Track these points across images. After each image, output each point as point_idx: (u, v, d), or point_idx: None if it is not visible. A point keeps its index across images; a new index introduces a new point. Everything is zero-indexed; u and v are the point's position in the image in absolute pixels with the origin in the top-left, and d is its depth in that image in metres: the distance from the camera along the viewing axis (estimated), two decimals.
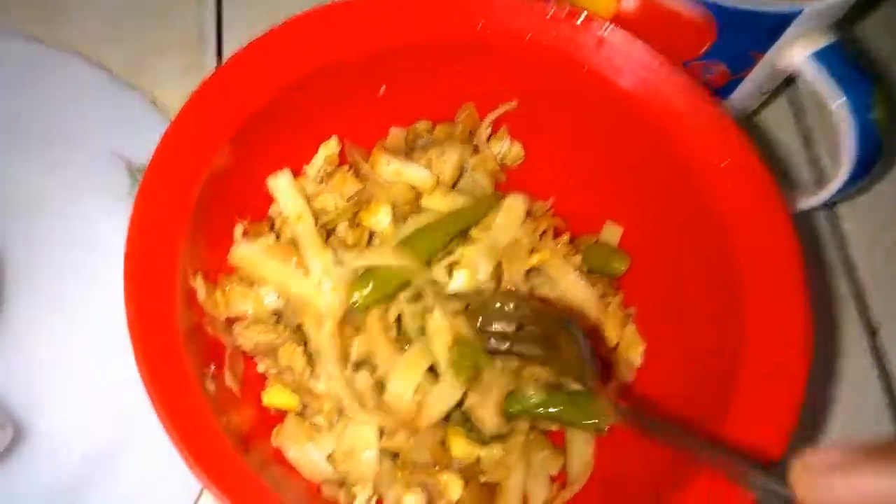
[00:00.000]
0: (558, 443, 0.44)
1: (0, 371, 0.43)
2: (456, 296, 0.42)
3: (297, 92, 0.41)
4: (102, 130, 0.48)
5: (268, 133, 0.41)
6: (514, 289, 0.43)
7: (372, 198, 0.43)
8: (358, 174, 0.44)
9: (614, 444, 0.43)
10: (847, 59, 0.42)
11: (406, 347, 0.41)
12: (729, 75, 0.44)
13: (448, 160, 0.44)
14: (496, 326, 0.40)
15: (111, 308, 0.44)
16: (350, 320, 0.42)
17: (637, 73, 0.41)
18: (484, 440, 0.42)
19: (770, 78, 0.46)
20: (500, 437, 0.42)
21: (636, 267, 0.46)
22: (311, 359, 0.42)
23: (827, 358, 0.51)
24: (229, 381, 0.40)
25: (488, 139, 0.46)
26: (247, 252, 0.41)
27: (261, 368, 0.42)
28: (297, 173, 0.44)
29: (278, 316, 0.42)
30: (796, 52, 0.42)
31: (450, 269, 0.42)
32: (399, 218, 0.43)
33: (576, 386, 0.40)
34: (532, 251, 0.44)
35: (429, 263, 0.42)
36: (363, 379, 0.41)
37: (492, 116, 0.45)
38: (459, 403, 0.41)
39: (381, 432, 0.40)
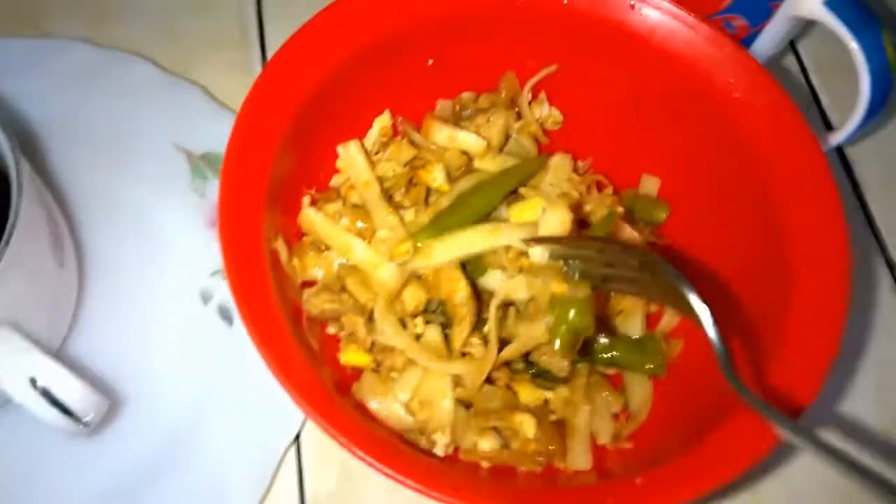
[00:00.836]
0: (616, 386, 0.46)
1: (90, 346, 0.45)
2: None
3: (351, 69, 0.44)
4: (162, 125, 0.51)
5: (327, 110, 0.44)
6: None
7: (427, 163, 0.46)
8: (412, 143, 0.47)
9: (668, 382, 0.46)
10: (857, 4, 0.46)
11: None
12: (748, 28, 0.48)
13: (494, 125, 0.47)
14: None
15: (181, 283, 0.48)
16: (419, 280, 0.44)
17: (669, 29, 0.44)
18: (548, 386, 0.45)
19: (785, 29, 0.49)
20: (563, 381, 0.45)
21: (676, 215, 0.48)
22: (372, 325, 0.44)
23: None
24: (310, 340, 0.42)
25: (529, 104, 0.49)
26: (312, 214, 0.44)
27: (331, 331, 0.45)
28: None
29: (343, 284, 0.45)
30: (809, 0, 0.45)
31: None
32: (453, 180, 0.46)
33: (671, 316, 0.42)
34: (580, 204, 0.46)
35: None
36: (434, 333, 0.43)
37: (532, 82, 0.48)
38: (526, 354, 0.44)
39: (455, 383, 0.43)
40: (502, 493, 0.37)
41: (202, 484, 0.43)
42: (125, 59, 0.53)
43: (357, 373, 0.44)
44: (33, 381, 0.36)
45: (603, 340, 0.45)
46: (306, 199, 0.45)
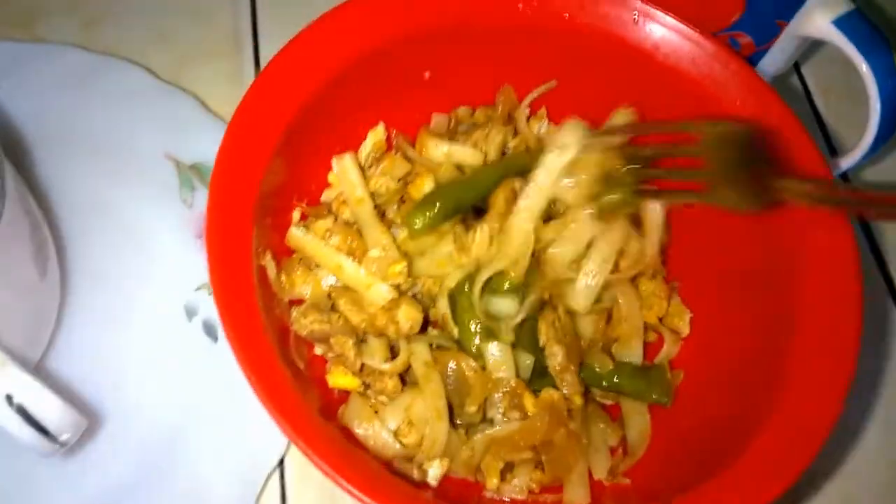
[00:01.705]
0: (613, 417, 0.44)
1: (70, 360, 0.44)
2: None
3: (346, 80, 0.42)
4: (152, 133, 0.50)
5: (320, 121, 0.42)
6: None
7: (417, 176, 0.45)
8: (406, 157, 0.46)
9: (668, 415, 0.44)
10: (866, 24, 0.44)
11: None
12: (754, 47, 0.46)
13: (492, 141, 0.45)
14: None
15: (166, 297, 0.46)
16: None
17: (673, 45, 0.42)
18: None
19: (791, 49, 0.48)
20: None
21: (679, 241, 0.47)
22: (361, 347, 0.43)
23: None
24: (297, 360, 0.41)
25: (528, 120, 0.48)
26: (299, 234, 0.42)
27: (318, 351, 0.43)
28: None
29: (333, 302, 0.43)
30: (818, 19, 0.44)
31: None
32: None
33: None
34: None
35: None
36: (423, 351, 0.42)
37: (531, 97, 0.47)
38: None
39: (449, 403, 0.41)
40: None
41: None
42: (117, 65, 0.52)
43: (344, 396, 0.42)
44: (9, 398, 0.35)
45: (603, 367, 0.43)
46: (296, 214, 0.43)
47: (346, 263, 0.41)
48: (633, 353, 0.44)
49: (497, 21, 0.43)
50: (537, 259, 0.41)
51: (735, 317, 0.44)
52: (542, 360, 0.41)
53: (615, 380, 0.43)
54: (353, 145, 0.46)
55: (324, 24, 0.42)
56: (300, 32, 0.42)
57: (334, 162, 0.44)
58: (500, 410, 0.41)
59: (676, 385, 0.44)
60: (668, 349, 0.46)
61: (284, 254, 0.43)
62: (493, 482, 0.41)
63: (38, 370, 0.42)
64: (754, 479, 0.35)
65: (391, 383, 0.42)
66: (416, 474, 0.40)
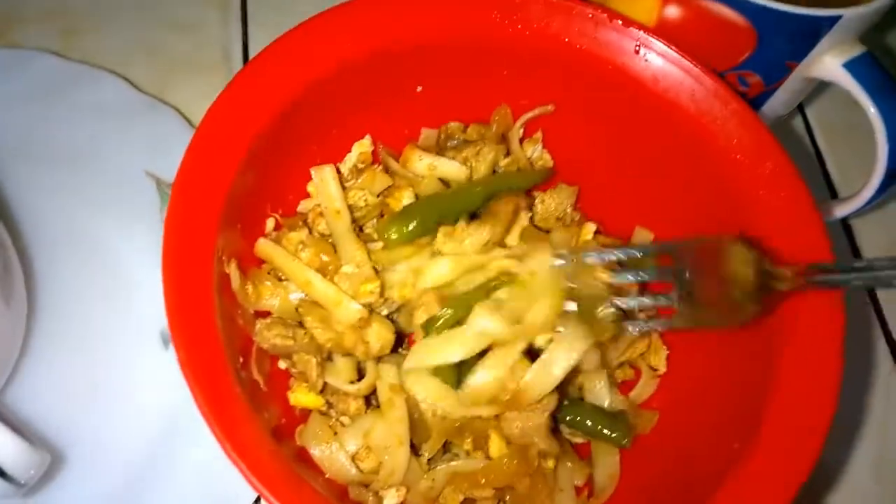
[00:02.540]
0: (583, 455, 0.43)
1: (33, 392, 0.41)
2: None
3: (331, 87, 0.41)
4: (130, 147, 0.47)
5: (301, 128, 0.41)
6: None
7: (397, 189, 0.43)
8: (388, 171, 0.44)
9: (640, 455, 0.42)
10: (878, 69, 0.43)
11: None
12: (762, 86, 0.45)
13: (484, 158, 0.44)
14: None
15: (140, 324, 0.44)
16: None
17: (673, 78, 0.41)
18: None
19: (798, 90, 0.46)
20: None
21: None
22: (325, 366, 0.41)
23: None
24: (256, 375, 0.39)
25: (521, 141, 0.46)
26: (268, 246, 0.41)
27: (282, 366, 0.42)
28: None
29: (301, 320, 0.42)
30: (829, 62, 0.43)
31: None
32: None
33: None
34: None
35: None
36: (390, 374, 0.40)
37: (525, 118, 0.45)
38: None
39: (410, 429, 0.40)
40: None
41: None
42: (94, 75, 0.49)
43: (306, 414, 0.41)
44: None
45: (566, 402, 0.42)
46: (270, 223, 0.42)
47: (316, 279, 0.40)
48: (599, 392, 0.42)
49: (495, 40, 0.41)
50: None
51: (714, 360, 0.43)
52: None
53: (577, 418, 0.42)
54: (338, 156, 0.44)
55: (309, 26, 0.40)
56: (285, 33, 0.40)
57: (313, 172, 0.42)
58: (465, 448, 0.39)
59: (651, 426, 0.43)
60: (644, 385, 0.44)
61: (255, 263, 0.41)
62: None
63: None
64: None
65: (355, 405, 0.41)
66: (371, 502, 0.39)
